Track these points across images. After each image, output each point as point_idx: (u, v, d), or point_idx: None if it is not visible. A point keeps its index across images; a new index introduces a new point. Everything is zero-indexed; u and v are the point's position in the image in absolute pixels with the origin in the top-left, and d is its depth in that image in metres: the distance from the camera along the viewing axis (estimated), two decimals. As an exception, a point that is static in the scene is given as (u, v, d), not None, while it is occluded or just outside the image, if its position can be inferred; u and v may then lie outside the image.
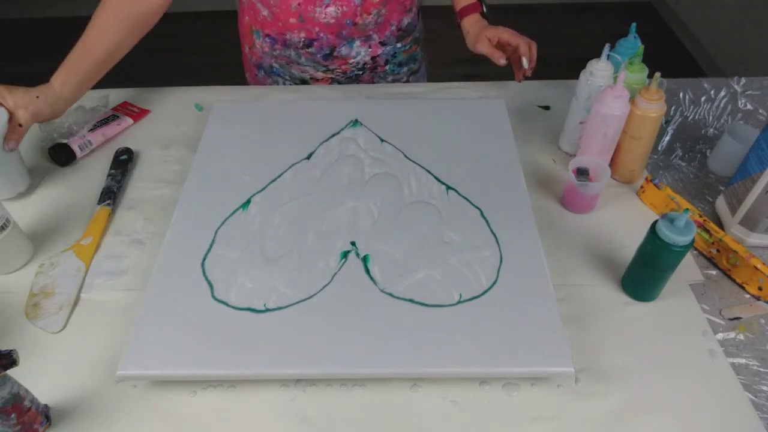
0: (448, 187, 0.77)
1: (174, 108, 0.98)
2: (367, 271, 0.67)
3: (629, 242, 0.73)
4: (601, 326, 0.66)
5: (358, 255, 0.69)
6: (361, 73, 1.05)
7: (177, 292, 0.65)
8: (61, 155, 0.86)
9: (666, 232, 0.60)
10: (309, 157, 0.82)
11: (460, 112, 0.90)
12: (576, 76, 0.83)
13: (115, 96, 1.00)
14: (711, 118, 0.96)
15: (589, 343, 0.64)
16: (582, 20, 2.91)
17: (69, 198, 0.83)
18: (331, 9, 0.92)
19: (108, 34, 0.84)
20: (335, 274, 0.67)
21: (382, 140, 0.85)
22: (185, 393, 0.60)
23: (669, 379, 0.61)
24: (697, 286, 0.70)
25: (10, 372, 0.51)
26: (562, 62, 1.41)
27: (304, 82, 1.05)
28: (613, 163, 0.82)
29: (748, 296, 0.70)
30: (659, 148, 0.90)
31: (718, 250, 0.72)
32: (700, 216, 0.74)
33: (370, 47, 1.01)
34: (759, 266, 0.67)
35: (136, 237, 0.76)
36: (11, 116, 0.77)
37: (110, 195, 0.80)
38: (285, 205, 0.75)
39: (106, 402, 0.59)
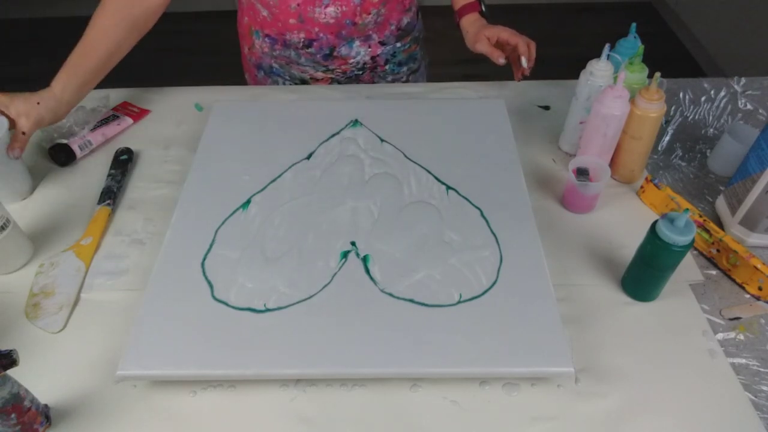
0: (448, 187, 0.77)
1: (174, 108, 0.98)
2: (367, 271, 0.67)
3: (629, 242, 0.73)
4: (601, 326, 0.66)
5: (358, 255, 0.69)
6: (360, 73, 1.05)
7: (177, 292, 0.65)
8: (61, 155, 0.87)
9: (666, 232, 0.60)
10: (309, 157, 0.82)
11: (460, 112, 0.90)
12: (576, 76, 0.83)
13: (115, 96, 1.00)
14: (711, 118, 0.96)
15: (589, 343, 0.64)
16: (582, 20, 2.91)
17: (69, 198, 0.83)
18: (330, 9, 0.92)
19: (107, 35, 0.84)
20: (335, 274, 0.67)
21: (382, 140, 0.85)
22: (185, 393, 0.60)
23: (669, 379, 0.61)
24: (697, 286, 0.70)
25: (10, 372, 0.51)
26: (562, 62, 1.41)
27: (303, 82, 1.06)
28: (613, 163, 0.82)
29: (748, 296, 0.70)
30: (659, 148, 0.90)
31: (718, 250, 0.72)
32: (700, 216, 0.74)
33: (369, 47, 1.01)
34: (759, 266, 0.67)
35: (136, 237, 0.76)
36: (13, 124, 0.78)
37: (110, 195, 0.80)
38: (285, 205, 0.75)
39: (106, 402, 0.59)
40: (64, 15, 2.80)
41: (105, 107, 0.97)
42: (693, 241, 0.60)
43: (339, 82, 1.05)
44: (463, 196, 0.76)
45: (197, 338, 0.60)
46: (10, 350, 0.50)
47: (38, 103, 0.79)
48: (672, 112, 0.97)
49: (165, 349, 0.60)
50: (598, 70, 0.79)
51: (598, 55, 0.79)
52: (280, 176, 0.79)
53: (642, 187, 0.80)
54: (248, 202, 0.76)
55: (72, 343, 0.65)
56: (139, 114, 0.96)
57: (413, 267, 0.67)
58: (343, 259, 0.68)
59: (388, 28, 1.01)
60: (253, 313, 0.63)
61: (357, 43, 1.00)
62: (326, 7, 0.92)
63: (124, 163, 0.86)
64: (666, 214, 0.61)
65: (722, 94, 1.00)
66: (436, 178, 0.79)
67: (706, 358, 0.63)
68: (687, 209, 0.60)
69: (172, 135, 0.93)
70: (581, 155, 0.80)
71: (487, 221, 0.73)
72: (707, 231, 0.72)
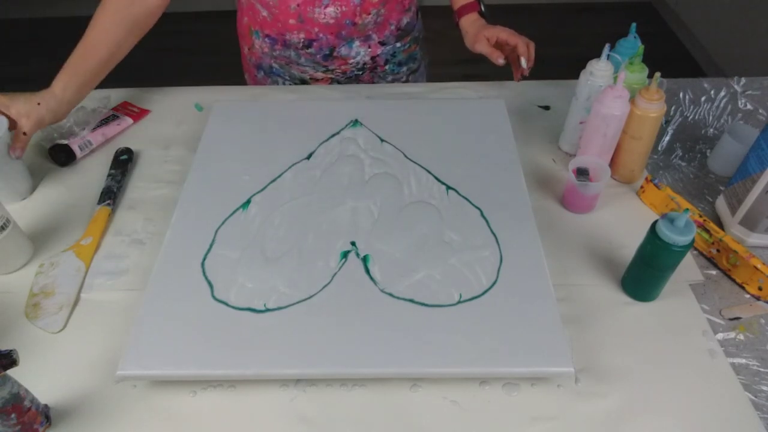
0: (448, 187, 0.77)
1: (174, 108, 0.98)
2: (367, 271, 0.67)
3: (629, 242, 0.73)
4: (601, 326, 0.66)
5: (358, 255, 0.69)
6: (360, 73, 1.05)
7: (177, 292, 0.65)
8: (61, 155, 0.87)
9: (666, 232, 0.60)
10: (309, 157, 0.82)
11: (460, 112, 0.90)
12: (576, 76, 0.83)
13: (115, 96, 1.00)
14: (711, 118, 0.96)
15: (589, 343, 0.64)
16: (582, 20, 2.91)
17: (69, 198, 0.83)
18: (330, 9, 0.92)
19: (108, 35, 0.84)
20: (335, 274, 0.67)
21: (382, 140, 0.85)
22: (185, 393, 0.60)
23: (669, 379, 0.61)
24: (697, 286, 0.70)
25: (10, 372, 0.51)
26: (562, 62, 1.41)
27: (303, 82, 1.06)
28: (613, 163, 0.82)
29: (748, 296, 0.70)
30: (659, 148, 0.90)
31: (718, 250, 0.72)
32: (700, 216, 0.74)
33: (369, 47, 1.01)
34: (759, 266, 0.67)
35: (136, 237, 0.76)
36: (14, 125, 0.78)
37: (110, 195, 0.80)
38: (285, 205, 0.75)
39: (106, 402, 0.59)
40: (64, 15, 2.80)
41: (105, 107, 0.97)
42: (693, 241, 0.60)
43: (339, 83, 1.05)
44: (463, 196, 0.76)
45: (197, 338, 0.60)
46: (10, 350, 0.50)
47: (39, 104, 0.79)
48: (672, 112, 0.97)
49: (165, 349, 0.60)
50: (598, 70, 0.79)
51: (598, 55, 0.79)
52: (280, 176, 0.79)
53: (642, 187, 0.80)
54: (248, 202, 0.76)
55: (72, 343, 0.65)
56: (139, 114, 0.96)
57: (413, 267, 0.67)
58: (343, 259, 0.68)
59: (387, 28, 1.01)
60: (253, 313, 0.63)
61: (357, 43, 1.00)
62: (326, 7, 0.92)
63: (124, 163, 0.86)
64: (666, 214, 0.61)
65: (722, 94, 1.00)
66: (436, 178, 0.79)
67: (706, 358, 0.63)
68: (687, 209, 0.60)
69: (172, 135, 0.93)
70: (581, 155, 0.80)
71: (487, 221, 0.73)
72: (707, 231, 0.72)
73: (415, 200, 0.76)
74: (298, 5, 0.92)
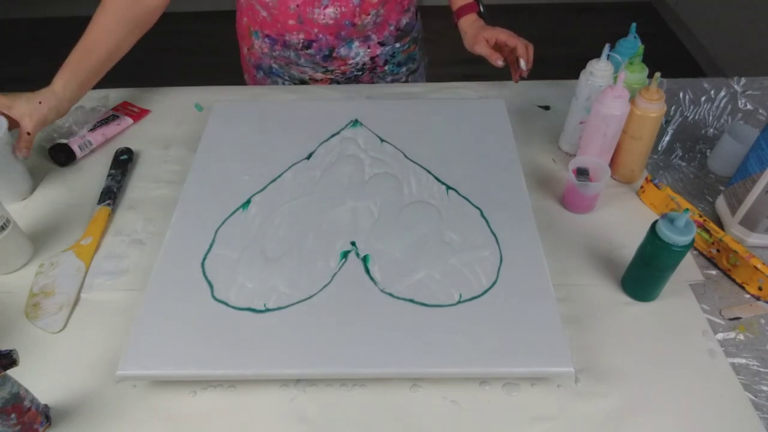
0: (448, 187, 0.77)
1: (174, 108, 0.98)
2: (367, 271, 0.67)
3: (629, 242, 0.73)
4: (601, 326, 0.66)
5: (358, 255, 0.69)
6: (360, 73, 1.05)
7: (177, 292, 0.65)
8: (61, 155, 0.87)
9: (666, 232, 0.60)
10: (309, 157, 0.82)
11: (460, 112, 0.90)
12: (576, 76, 0.83)
13: (115, 96, 1.00)
14: (711, 118, 0.96)
15: (589, 343, 0.64)
16: (582, 20, 2.91)
17: (69, 198, 0.83)
18: (329, 10, 0.92)
19: (108, 34, 0.84)
20: (335, 274, 0.67)
21: (382, 140, 0.85)
22: (185, 393, 0.60)
23: (669, 379, 0.61)
24: (697, 286, 0.70)
25: (10, 372, 0.51)
26: (562, 62, 1.42)
27: (303, 82, 1.06)
28: (613, 163, 0.82)
29: (748, 296, 0.70)
30: (659, 148, 0.90)
31: (718, 250, 0.72)
32: (700, 216, 0.74)
33: (368, 48, 1.01)
34: (759, 266, 0.67)
35: (136, 237, 0.76)
36: (15, 125, 0.78)
37: (110, 195, 0.80)
38: (285, 205, 0.75)
39: (106, 402, 0.59)
40: (64, 15, 2.80)
41: (105, 107, 0.97)
42: (693, 241, 0.60)
43: (338, 83, 1.05)
44: (463, 196, 0.76)
45: (197, 338, 0.60)
46: (10, 350, 0.50)
47: (40, 103, 0.79)
48: (672, 112, 0.97)
49: (165, 349, 0.60)
50: (598, 70, 0.79)
51: (598, 55, 0.79)
52: (280, 176, 0.79)
53: (642, 187, 0.80)
54: (248, 202, 0.76)
55: (72, 343, 0.65)
56: (139, 114, 0.96)
57: (413, 267, 0.67)
58: (343, 259, 0.68)
59: (387, 28, 1.01)
60: (253, 313, 0.63)
61: (356, 43, 1.00)
62: (325, 8, 0.92)
63: (124, 163, 0.86)
64: (666, 214, 0.61)
65: (722, 94, 1.00)
66: (436, 178, 0.79)
67: (706, 358, 0.63)
68: (687, 209, 0.60)
69: (172, 135, 0.93)
70: (581, 155, 0.80)
71: (487, 221, 0.73)
72: (707, 231, 0.72)
73: (415, 200, 0.76)
74: (297, 6, 0.92)
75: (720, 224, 0.77)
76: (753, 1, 2.17)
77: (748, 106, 0.98)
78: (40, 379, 0.60)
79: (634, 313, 0.67)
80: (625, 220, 0.78)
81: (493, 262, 0.68)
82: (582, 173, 0.78)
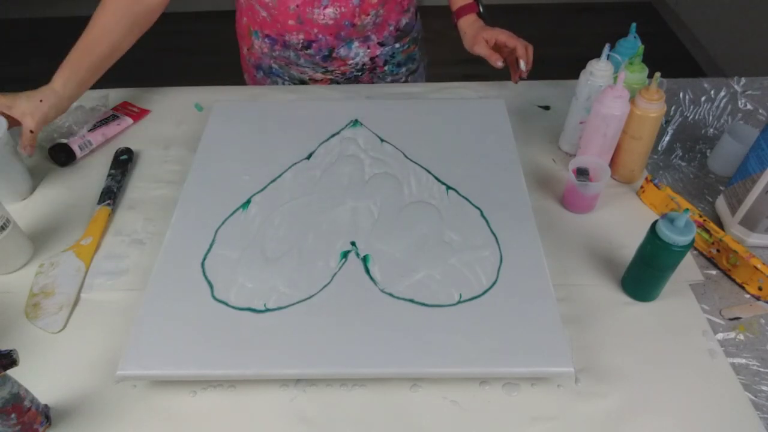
0: (448, 187, 0.77)
1: (174, 108, 0.98)
2: (367, 271, 0.67)
3: (629, 242, 0.73)
4: (601, 326, 0.66)
5: (358, 255, 0.69)
6: (360, 74, 1.05)
7: (177, 292, 0.65)
8: (61, 155, 0.87)
9: (666, 232, 0.60)
10: (309, 157, 0.82)
11: (460, 112, 0.90)
12: (576, 76, 0.83)
13: (115, 96, 1.00)
14: (711, 118, 0.96)
15: (589, 343, 0.64)
16: (582, 20, 2.91)
17: (69, 198, 0.83)
18: (329, 10, 0.92)
19: (108, 32, 0.84)
20: (335, 274, 0.67)
21: (382, 140, 0.85)
22: (185, 393, 0.60)
23: (669, 379, 0.61)
24: (697, 286, 0.70)
25: (10, 372, 0.51)
26: (562, 62, 1.42)
27: (303, 82, 1.06)
28: (613, 163, 0.82)
29: (748, 296, 0.70)
30: (659, 148, 0.90)
31: (718, 250, 0.72)
32: (700, 216, 0.74)
33: (368, 48, 1.01)
34: (759, 266, 0.67)
35: (136, 237, 0.76)
36: (16, 124, 0.78)
37: (110, 195, 0.80)
38: (285, 205, 0.75)
39: (106, 402, 0.59)
40: (64, 15, 2.80)
41: (105, 107, 0.97)
42: (693, 241, 0.60)
43: (338, 83, 1.05)
44: (463, 196, 0.76)
45: (197, 338, 0.60)
46: (10, 350, 0.50)
47: (41, 101, 0.79)
48: (672, 112, 0.97)
49: (165, 349, 0.60)
50: (598, 70, 0.79)
51: (598, 55, 0.79)
52: (280, 176, 0.79)
53: (642, 187, 0.80)
54: (248, 202, 0.76)
55: (72, 343, 0.65)
56: (139, 114, 0.96)
57: (413, 267, 0.67)
58: (343, 259, 0.68)
59: (386, 28, 1.01)
60: (253, 313, 0.63)
61: (356, 44, 1.00)
62: (325, 8, 0.92)
63: (124, 163, 0.86)
64: (666, 214, 0.61)
65: (722, 94, 1.00)
66: (436, 178, 0.79)
67: (706, 358, 0.63)
68: (687, 209, 0.60)
69: (172, 135, 0.93)
70: (581, 155, 0.80)
71: (487, 221, 0.73)
72: (707, 231, 0.72)
73: (415, 200, 0.76)
74: (297, 6, 0.92)
75: (720, 224, 0.77)
76: (753, 1, 2.17)
77: (748, 106, 0.98)
78: (40, 379, 0.60)
79: (634, 313, 0.67)
80: (625, 220, 0.78)
81: (493, 262, 0.68)
82: (582, 173, 0.78)
